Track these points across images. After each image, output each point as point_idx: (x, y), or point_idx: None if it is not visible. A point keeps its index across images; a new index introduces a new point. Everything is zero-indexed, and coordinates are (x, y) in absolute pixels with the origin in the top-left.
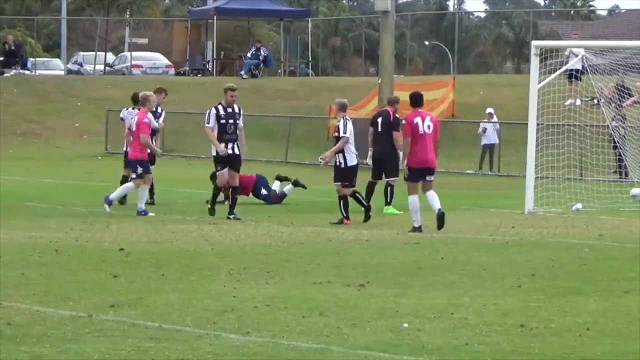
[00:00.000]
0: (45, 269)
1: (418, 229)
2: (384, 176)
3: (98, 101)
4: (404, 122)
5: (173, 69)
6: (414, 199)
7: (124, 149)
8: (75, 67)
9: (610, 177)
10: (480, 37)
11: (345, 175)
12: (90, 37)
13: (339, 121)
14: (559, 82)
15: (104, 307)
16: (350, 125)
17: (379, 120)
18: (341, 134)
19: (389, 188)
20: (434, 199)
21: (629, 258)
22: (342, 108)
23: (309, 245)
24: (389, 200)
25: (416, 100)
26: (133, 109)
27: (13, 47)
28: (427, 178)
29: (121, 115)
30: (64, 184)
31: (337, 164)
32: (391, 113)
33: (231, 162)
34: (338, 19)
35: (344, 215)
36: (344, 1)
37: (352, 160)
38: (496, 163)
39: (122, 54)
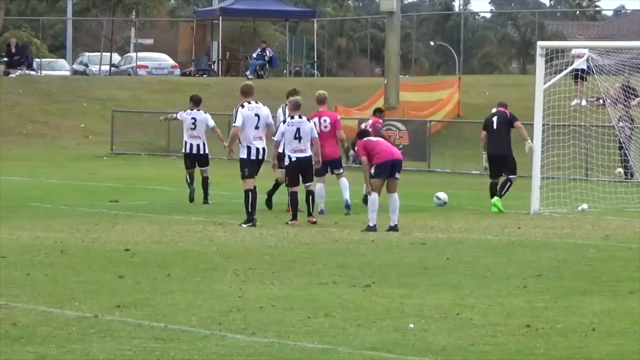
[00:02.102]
0: (50, 270)
1: (372, 228)
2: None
3: (103, 102)
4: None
5: (178, 70)
6: (374, 198)
7: (187, 151)
8: (80, 68)
9: (616, 177)
10: (485, 38)
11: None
12: (95, 38)
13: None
14: (565, 82)
15: (109, 307)
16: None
17: (494, 119)
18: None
19: (508, 183)
20: (395, 207)
21: (635, 258)
22: (296, 107)
23: (314, 246)
24: (503, 193)
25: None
26: (192, 109)
27: (14, 50)
28: (396, 175)
29: (179, 116)
30: (69, 185)
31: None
32: (507, 112)
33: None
34: (343, 20)
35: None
36: (350, 2)
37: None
38: None
39: (128, 54)
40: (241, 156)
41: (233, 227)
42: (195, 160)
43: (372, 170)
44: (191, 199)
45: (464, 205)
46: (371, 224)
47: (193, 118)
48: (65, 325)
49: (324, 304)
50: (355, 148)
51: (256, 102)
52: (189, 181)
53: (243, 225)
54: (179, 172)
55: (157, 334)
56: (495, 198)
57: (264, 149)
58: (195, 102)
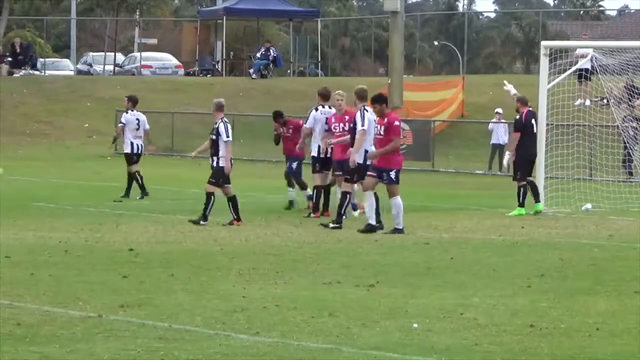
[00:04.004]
0: (54, 269)
1: (374, 227)
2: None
3: (107, 101)
4: (396, 123)
5: (182, 69)
6: (400, 201)
7: (132, 151)
8: (84, 68)
9: (619, 177)
10: (489, 38)
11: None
12: (99, 38)
13: (216, 124)
14: (569, 82)
15: (113, 307)
16: (229, 128)
17: (533, 121)
18: (224, 139)
19: (529, 187)
20: (395, 212)
21: (639, 258)
22: (219, 108)
23: (318, 246)
24: (523, 201)
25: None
26: (131, 110)
27: (18, 50)
28: (384, 180)
29: (123, 119)
30: (73, 184)
31: (215, 164)
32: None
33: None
34: (347, 20)
35: (235, 217)
36: (353, 1)
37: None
38: None
39: (132, 54)
40: (358, 162)
41: (237, 227)
42: (134, 158)
43: (395, 176)
44: (145, 191)
45: (467, 204)
46: (373, 222)
47: (137, 119)
48: (69, 325)
49: (328, 304)
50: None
51: (330, 107)
52: (141, 181)
53: (330, 225)
54: (182, 172)
55: (161, 333)
56: (523, 209)
57: None
58: (134, 102)
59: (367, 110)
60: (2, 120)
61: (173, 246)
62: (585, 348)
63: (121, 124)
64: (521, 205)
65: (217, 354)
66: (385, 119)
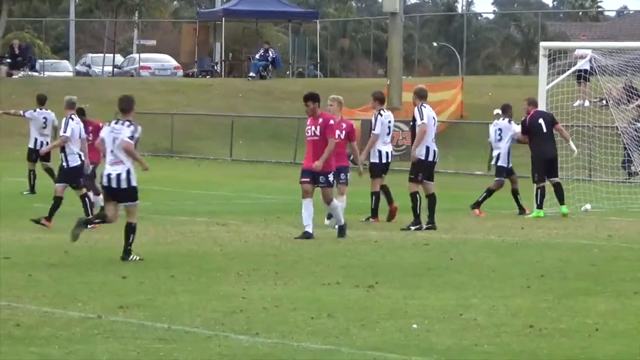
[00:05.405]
0: (54, 270)
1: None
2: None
3: (106, 103)
4: (332, 122)
5: (181, 71)
6: (337, 202)
7: (37, 147)
8: (83, 69)
9: (619, 177)
10: (488, 39)
11: (69, 176)
12: (98, 39)
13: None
14: (568, 83)
15: (112, 308)
16: (71, 124)
17: (541, 121)
18: (61, 133)
19: (560, 187)
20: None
21: (638, 258)
22: (70, 106)
23: (317, 247)
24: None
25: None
26: (40, 109)
27: (17, 52)
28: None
29: (27, 115)
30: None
31: (60, 164)
32: (548, 112)
33: None
34: (346, 21)
35: (47, 216)
36: (352, 3)
37: (74, 161)
38: None
39: (131, 55)
40: (419, 157)
41: (236, 228)
42: (33, 155)
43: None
44: (34, 190)
45: (467, 205)
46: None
47: (44, 118)
48: (68, 326)
49: (327, 305)
50: None
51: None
52: (32, 181)
53: (412, 227)
54: (181, 173)
55: (160, 334)
56: (564, 206)
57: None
58: (41, 101)
59: (424, 107)
60: (0, 122)
61: (173, 247)
62: (585, 348)
63: (21, 113)
64: (539, 207)
65: (217, 355)
66: (320, 119)
